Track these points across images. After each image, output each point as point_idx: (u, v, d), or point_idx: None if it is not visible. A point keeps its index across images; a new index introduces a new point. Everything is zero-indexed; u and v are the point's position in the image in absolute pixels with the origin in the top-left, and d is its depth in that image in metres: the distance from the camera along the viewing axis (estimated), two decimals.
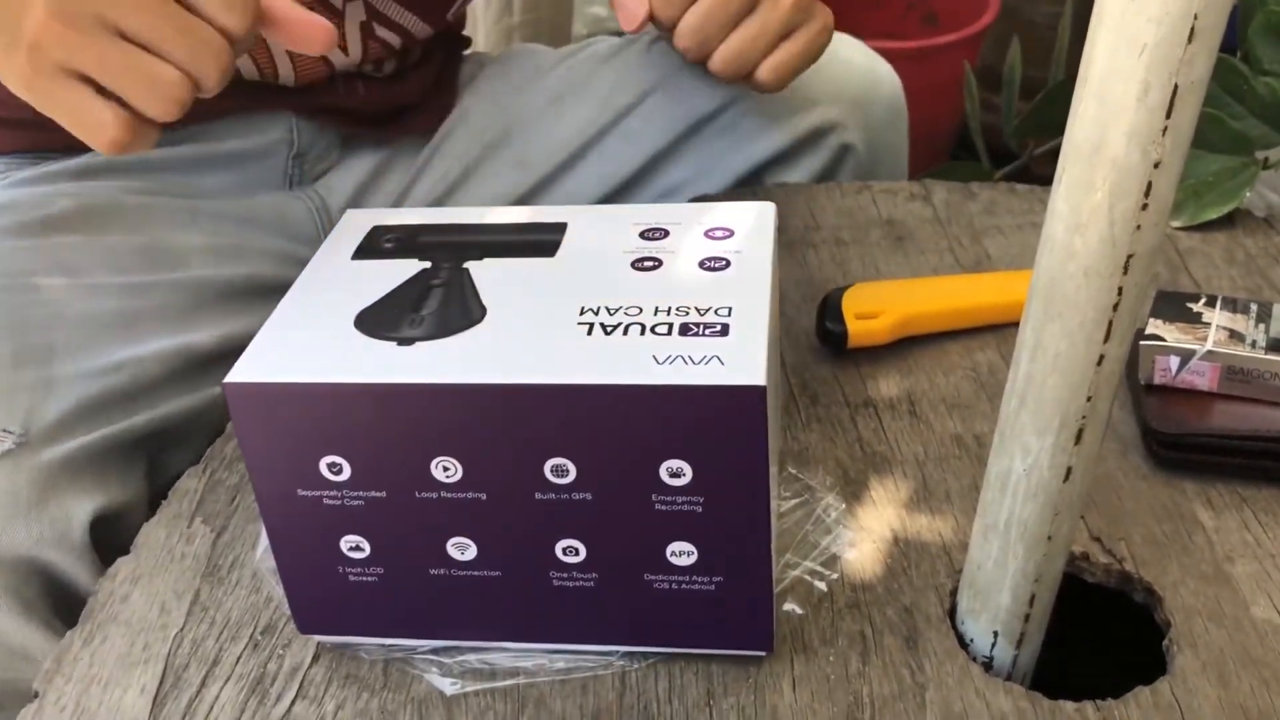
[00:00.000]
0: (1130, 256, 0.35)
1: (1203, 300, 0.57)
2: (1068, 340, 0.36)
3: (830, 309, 0.61)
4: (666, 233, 0.47)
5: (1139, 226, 0.34)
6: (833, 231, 0.72)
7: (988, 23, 1.53)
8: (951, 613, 0.47)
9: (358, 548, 0.43)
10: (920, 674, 0.45)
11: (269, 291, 0.73)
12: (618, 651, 0.46)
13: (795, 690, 0.44)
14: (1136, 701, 0.43)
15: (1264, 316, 0.56)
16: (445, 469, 0.41)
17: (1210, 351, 0.53)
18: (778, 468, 0.52)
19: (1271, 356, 0.53)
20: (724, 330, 0.41)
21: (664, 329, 0.41)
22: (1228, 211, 0.70)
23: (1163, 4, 0.30)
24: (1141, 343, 0.54)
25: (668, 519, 0.41)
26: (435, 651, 0.46)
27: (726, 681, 0.45)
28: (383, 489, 0.42)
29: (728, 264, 0.45)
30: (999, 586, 0.43)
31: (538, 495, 0.41)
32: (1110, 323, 0.36)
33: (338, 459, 0.41)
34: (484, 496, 0.41)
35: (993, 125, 1.43)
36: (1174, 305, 0.57)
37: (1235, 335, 0.54)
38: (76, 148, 0.73)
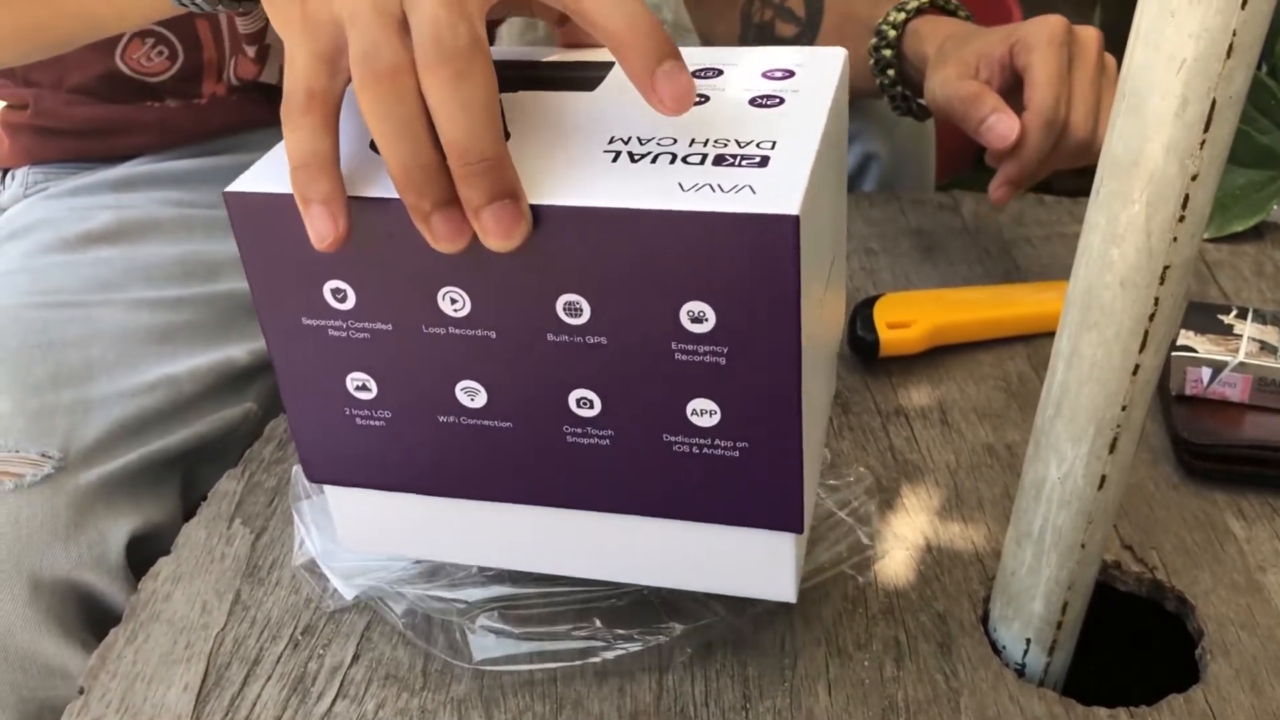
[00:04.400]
0: (1167, 268, 0.35)
1: (1234, 312, 0.58)
2: (1104, 349, 0.37)
3: (862, 318, 0.61)
4: (720, 72, 0.43)
5: (1176, 238, 0.34)
6: (862, 241, 0.72)
7: None
8: (984, 619, 0.48)
9: (364, 387, 0.41)
10: (954, 679, 0.45)
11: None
12: (656, 640, 0.46)
13: (831, 694, 0.45)
14: (1170, 708, 0.43)
15: None
16: (453, 300, 0.38)
17: (1242, 363, 0.54)
18: (830, 383, 0.48)
19: None
20: (763, 162, 0.36)
21: (697, 159, 0.37)
22: (1254, 224, 0.70)
23: (1201, 20, 0.31)
24: (1173, 354, 0.55)
25: (688, 371, 0.37)
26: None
27: (763, 685, 0.45)
28: (388, 321, 0.39)
29: (781, 101, 0.40)
30: (1032, 594, 0.44)
31: (550, 336, 0.38)
32: (1146, 333, 0.36)
33: (341, 284, 0.39)
34: (493, 335, 0.39)
35: None
36: (1206, 317, 0.57)
37: (1266, 347, 0.55)
38: (115, 158, 0.75)
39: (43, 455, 0.57)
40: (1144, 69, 0.33)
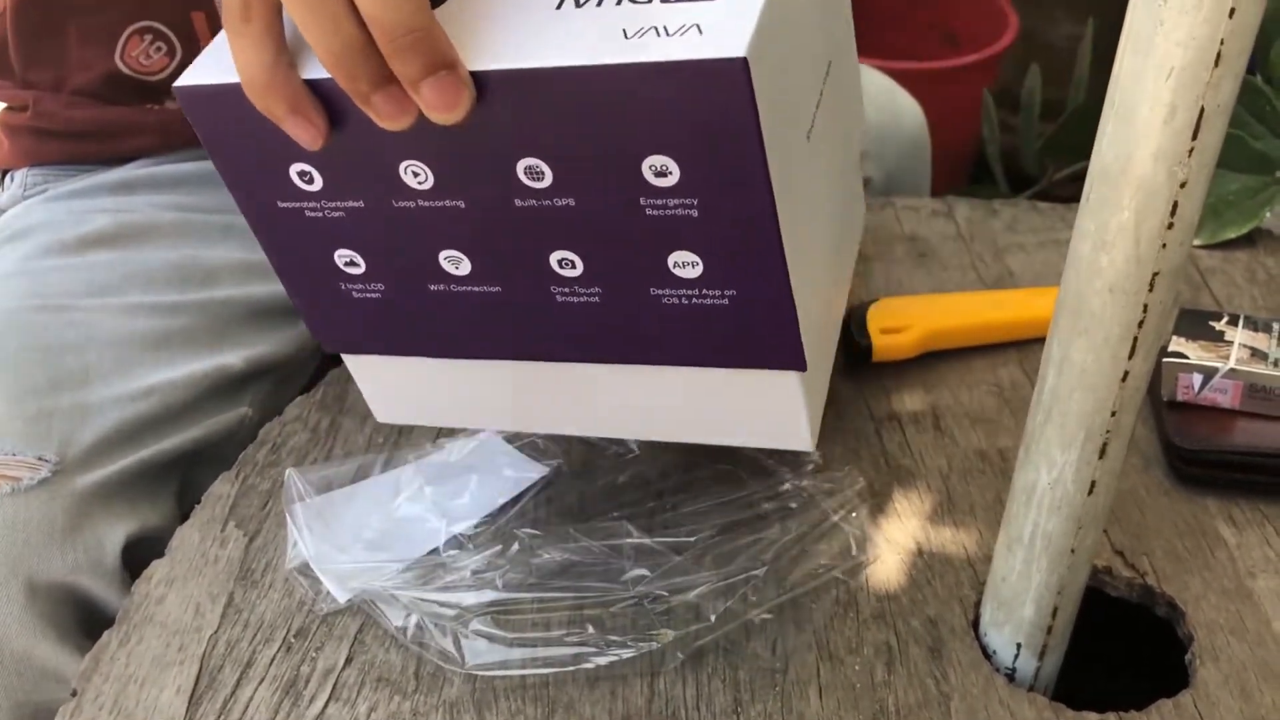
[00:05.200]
0: (1155, 274, 0.35)
1: (1225, 319, 0.58)
2: (1093, 355, 0.37)
3: (855, 323, 0.61)
4: None
5: (1164, 245, 0.35)
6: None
7: (1007, 44, 1.54)
8: (975, 624, 0.48)
9: (352, 263, 0.41)
10: (945, 684, 0.45)
11: (295, 311, 0.74)
12: (653, 647, 0.46)
13: (822, 698, 0.45)
14: (1160, 713, 0.44)
15: None
16: (415, 174, 0.38)
17: (1233, 369, 0.54)
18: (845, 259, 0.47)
19: None
20: None
21: None
22: (1248, 230, 0.71)
23: (1190, 29, 0.31)
24: (1164, 360, 0.55)
25: (662, 226, 0.36)
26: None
27: (754, 689, 0.45)
28: (359, 198, 0.39)
29: None
30: (1022, 599, 0.44)
31: (517, 202, 0.37)
32: (1135, 339, 0.37)
33: (305, 167, 0.38)
34: (462, 204, 0.38)
35: (1010, 147, 1.43)
36: (1197, 323, 0.58)
37: (1257, 354, 0.55)
38: (115, 160, 0.75)
39: (39, 459, 0.57)
40: (1133, 77, 0.33)
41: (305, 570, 0.51)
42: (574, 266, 0.39)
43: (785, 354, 0.39)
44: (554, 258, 0.39)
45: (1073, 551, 0.42)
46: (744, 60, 0.32)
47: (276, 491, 0.56)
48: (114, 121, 0.74)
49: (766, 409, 0.42)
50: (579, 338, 0.41)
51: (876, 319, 0.61)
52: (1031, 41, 1.65)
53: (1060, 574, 0.42)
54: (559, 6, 0.35)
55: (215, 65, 0.37)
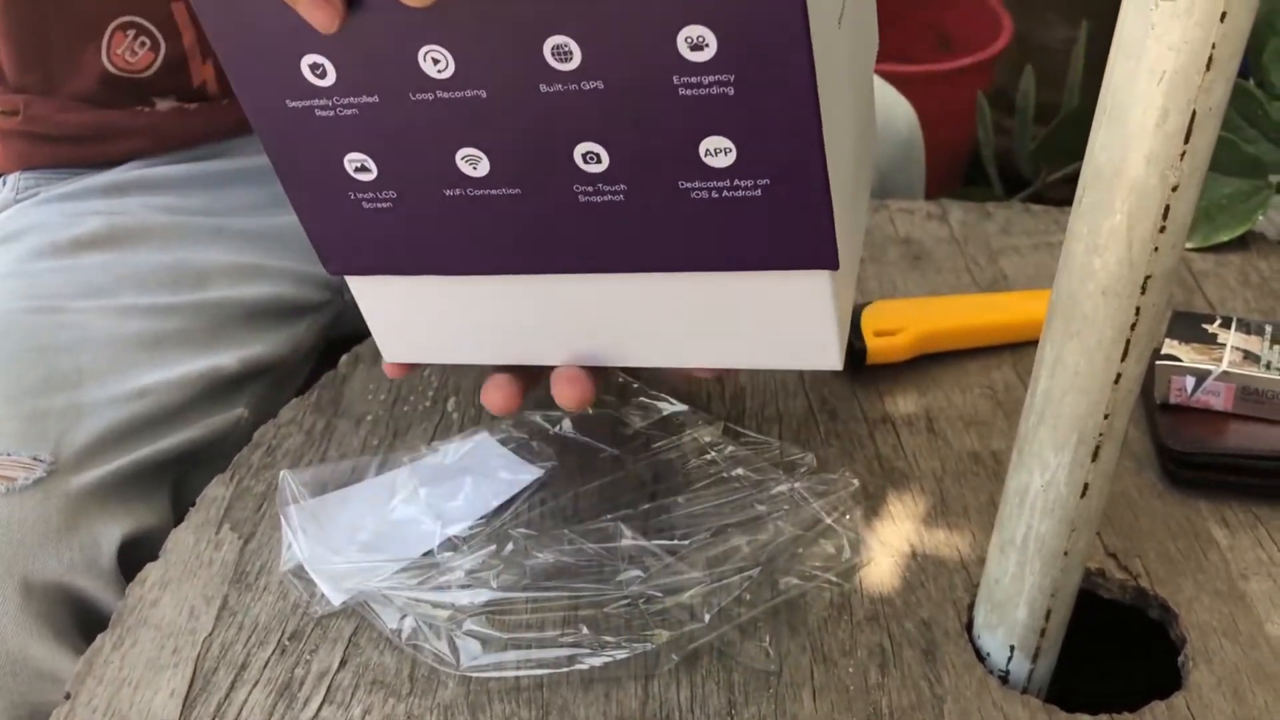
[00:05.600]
0: (1148, 277, 0.35)
1: (1218, 321, 0.58)
2: (1086, 358, 0.37)
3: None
4: None
5: (1157, 248, 0.35)
6: None
7: (1001, 47, 1.55)
8: (969, 626, 0.48)
9: (363, 168, 0.40)
10: (939, 686, 0.45)
11: (290, 313, 0.74)
12: (647, 653, 0.46)
13: (815, 701, 0.45)
14: (1152, 715, 0.44)
15: (1278, 338, 0.57)
16: (435, 61, 0.36)
17: (1225, 372, 0.54)
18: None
19: None
20: None
21: None
22: (1240, 234, 0.71)
23: (1181, 32, 0.31)
24: (1157, 362, 0.55)
25: (696, 107, 0.35)
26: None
27: (748, 691, 0.45)
28: (374, 93, 0.37)
29: None
30: (1015, 601, 0.44)
31: (543, 87, 0.36)
32: (1128, 342, 0.37)
33: (318, 59, 0.37)
34: (483, 94, 0.36)
35: (1005, 149, 1.43)
36: (1190, 326, 0.58)
37: (1250, 356, 0.55)
38: (106, 163, 0.75)
39: (35, 459, 0.57)
40: (1125, 80, 0.33)
41: (299, 573, 0.51)
42: (599, 161, 0.37)
43: (820, 249, 0.37)
44: (579, 151, 0.37)
45: (1066, 554, 0.42)
46: None
47: (271, 494, 0.56)
48: (106, 124, 0.74)
49: (795, 321, 0.41)
50: (601, 244, 0.39)
51: (870, 322, 0.62)
52: (1026, 44, 1.65)
53: (1053, 576, 0.43)
54: None
55: None
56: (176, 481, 0.65)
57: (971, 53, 1.54)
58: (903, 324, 0.62)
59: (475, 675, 0.46)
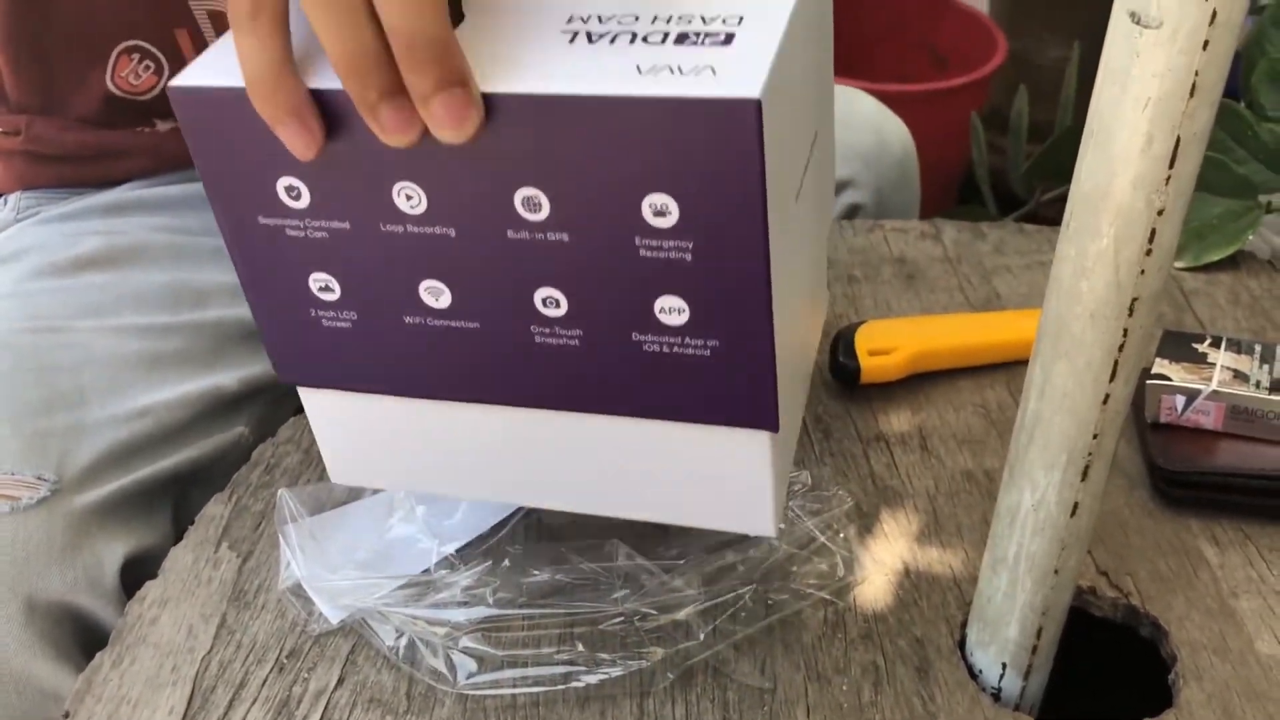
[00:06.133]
0: (1135, 300, 0.36)
1: (1208, 341, 0.59)
2: (1075, 379, 0.38)
3: (843, 345, 0.62)
4: None
5: (1143, 271, 0.35)
6: (845, 269, 0.73)
7: (995, 66, 1.56)
8: (962, 644, 0.48)
9: (327, 288, 0.40)
10: (931, 704, 0.46)
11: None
12: (645, 665, 0.47)
13: (810, 718, 0.45)
14: None
15: (1268, 357, 0.57)
16: (408, 197, 0.37)
17: (1215, 391, 0.55)
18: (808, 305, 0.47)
19: (1275, 397, 0.54)
20: (727, 40, 0.34)
21: (658, 38, 0.35)
22: (1231, 253, 0.72)
23: (1165, 60, 0.32)
24: (1148, 382, 0.56)
25: (654, 267, 0.36)
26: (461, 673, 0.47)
27: (743, 709, 0.46)
28: (345, 219, 0.38)
29: None
30: (1007, 619, 0.44)
31: (510, 233, 0.37)
32: (1116, 363, 0.37)
33: (294, 182, 0.38)
34: (452, 232, 0.37)
35: (999, 168, 1.44)
36: (1180, 345, 0.58)
37: (1239, 375, 0.55)
38: (107, 183, 0.76)
39: (38, 478, 0.57)
40: (1111, 106, 0.34)
41: (298, 591, 0.51)
42: (558, 305, 0.38)
43: (761, 412, 0.39)
44: (539, 295, 0.38)
45: (1056, 572, 0.42)
46: (758, 103, 0.32)
47: (269, 512, 0.57)
48: (107, 144, 0.74)
49: (733, 479, 0.42)
50: (553, 383, 0.41)
51: (864, 341, 0.62)
52: (1021, 63, 1.66)
53: (1044, 594, 0.43)
54: (572, 40, 0.36)
55: (212, 68, 0.37)
56: (178, 500, 0.65)
57: (967, 71, 1.55)
58: (896, 343, 0.62)
59: (472, 693, 0.47)
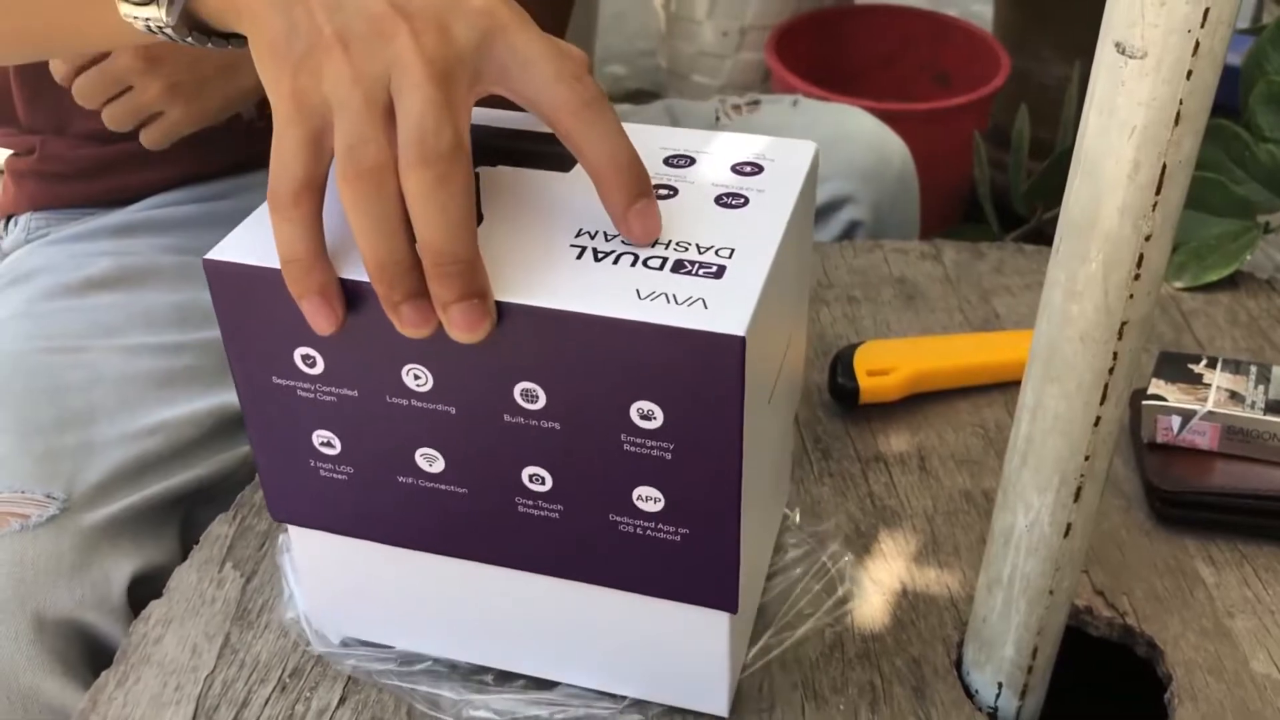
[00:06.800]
0: (1124, 323, 0.36)
1: (1204, 362, 0.59)
2: (1066, 402, 0.38)
3: (842, 365, 0.62)
4: (693, 160, 0.45)
5: (1132, 295, 0.36)
6: (845, 289, 0.74)
7: (998, 85, 1.56)
8: (958, 664, 0.48)
9: (329, 444, 0.43)
10: None
11: None
12: (625, 701, 0.47)
13: None
14: None
15: (1263, 378, 0.57)
16: (416, 377, 0.40)
17: (1210, 412, 0.55)
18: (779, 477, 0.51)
19: (1270, 418, 0.54)
20: (719, 272, 0.38)
21: (657, 263, 0.39)
22: (1229, 273, 0.72)
23: (1150, 89, 0.32)
24: (1144, 402, 0.56)
25: (636, 462, 0.39)
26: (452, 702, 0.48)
27: None
28: (354, 388, 0.41)
29: (746, 202, 0.42)
30: (1003, 639, 0.45)
31: (506, 418, 0.40)
32: (1106, 386, 0.38)
33: (311, 352, 0.41)
34: (453, 411, 0.40)
35: (1003, 187, 1.45)
36: (1176, 366, 0.59)
37: (1235, 396, 0.56)
38: (117, 200, 0.77)
39: (48, 496, 0.58)
40: (1098, 134, 0.34)
41: (297, 614, 0.52)
42: (543, 483, 0.41)
43: (723, 594, 0.42)
44: (526, 471, 0.41)
45: (1051, 593, 0.43)
46: (743, 339, 0.35)
47: (273, 532, 0.57)
48: (119, 158, 0.75)
49: (691, 653, 0.45)
50: (532, 550, 0.43)
51: (863, 361, 0.63)
52: (1024, 82, 1.67)
53: (1039, 615, 0.43)
54: (579, 257, 0.39)
55: (246, 245, 0.40)
56: (185, 518, 0.66)
57: (970, 90, 1.56)
58: (895, 364, 0.62)
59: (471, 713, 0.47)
